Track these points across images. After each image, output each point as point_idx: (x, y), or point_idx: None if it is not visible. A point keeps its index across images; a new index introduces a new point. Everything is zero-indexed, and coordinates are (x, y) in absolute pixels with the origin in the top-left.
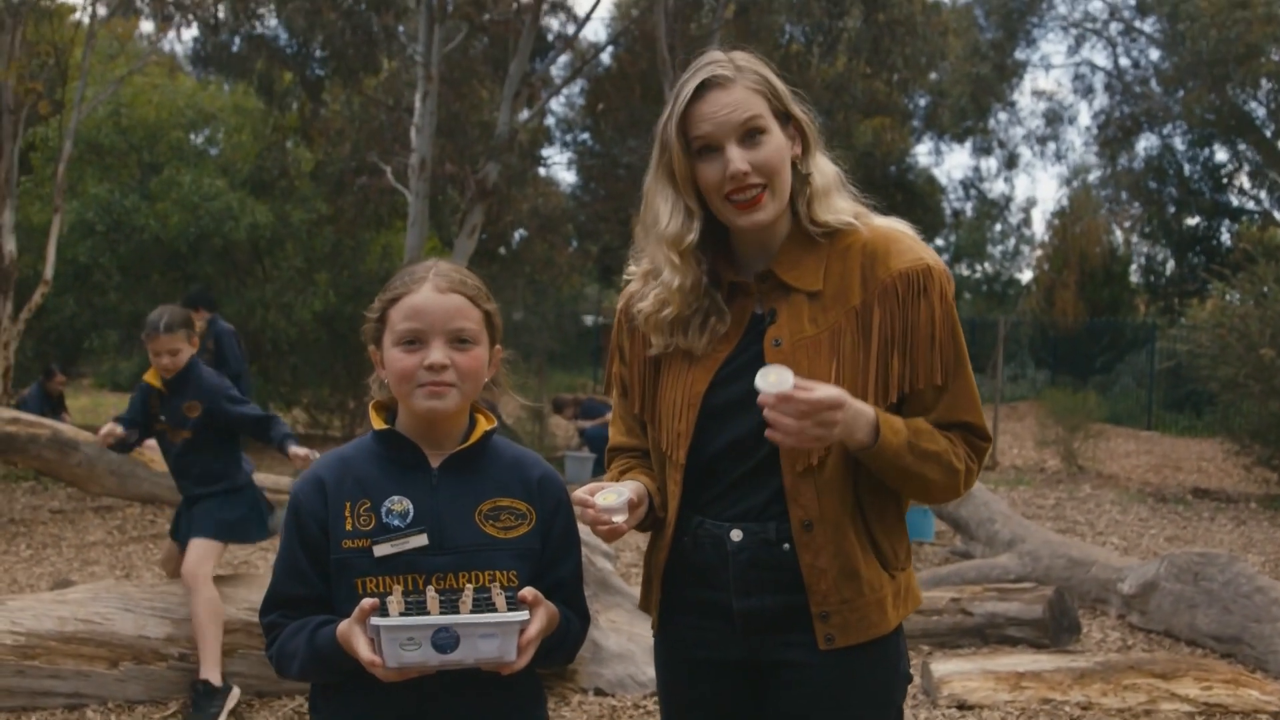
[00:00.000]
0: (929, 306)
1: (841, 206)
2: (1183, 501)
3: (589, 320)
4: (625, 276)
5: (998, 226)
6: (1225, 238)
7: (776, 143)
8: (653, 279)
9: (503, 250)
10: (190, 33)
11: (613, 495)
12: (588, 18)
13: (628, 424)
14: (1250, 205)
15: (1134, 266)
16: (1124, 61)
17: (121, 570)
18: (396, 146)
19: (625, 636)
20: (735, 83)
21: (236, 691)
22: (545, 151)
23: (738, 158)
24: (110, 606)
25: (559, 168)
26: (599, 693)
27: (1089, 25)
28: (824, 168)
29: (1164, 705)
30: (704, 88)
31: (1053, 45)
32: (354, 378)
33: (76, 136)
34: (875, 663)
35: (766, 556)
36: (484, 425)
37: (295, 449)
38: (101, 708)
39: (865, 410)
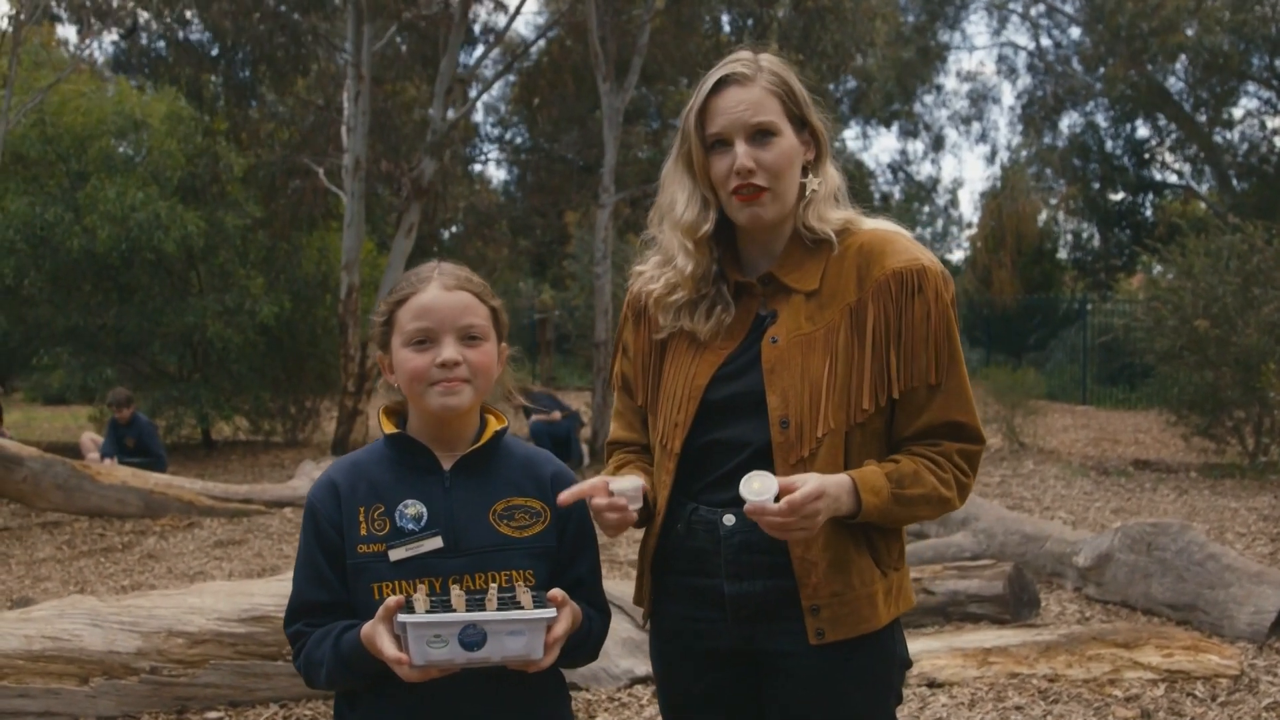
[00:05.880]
0: (924, 305)
1: (830, 216)
2: (1124, 474)
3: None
4: (636, 268)
5: (925, 209)
6: (1149, 212)
7: (785, 146)
8: (665, 265)
9: (436, 249)
10: (111, 38)
11: (626, 481)
12: (518, 10)
13: (628, 419)
14: (1172, 179)
15: (1061, 243)
16: (1045, 41)
17: (75, 586)
18: (330, 148)
19: None
20: (754, 82)
21: None
22: (477, 147)
23: (744, 154)
24: (77, 623)
25: (490, 164)
26: (573, 687)
27: (1011, 7)
28: (829, 178)
29: (1128, 674)
30: (723, 83)
31: (976, 27)
32: (294, 382)
33: (2, 147)
34: (870, 653)
35: (758, 540)
36: (494, 425)
37: None
38: None
39: (844, 483)
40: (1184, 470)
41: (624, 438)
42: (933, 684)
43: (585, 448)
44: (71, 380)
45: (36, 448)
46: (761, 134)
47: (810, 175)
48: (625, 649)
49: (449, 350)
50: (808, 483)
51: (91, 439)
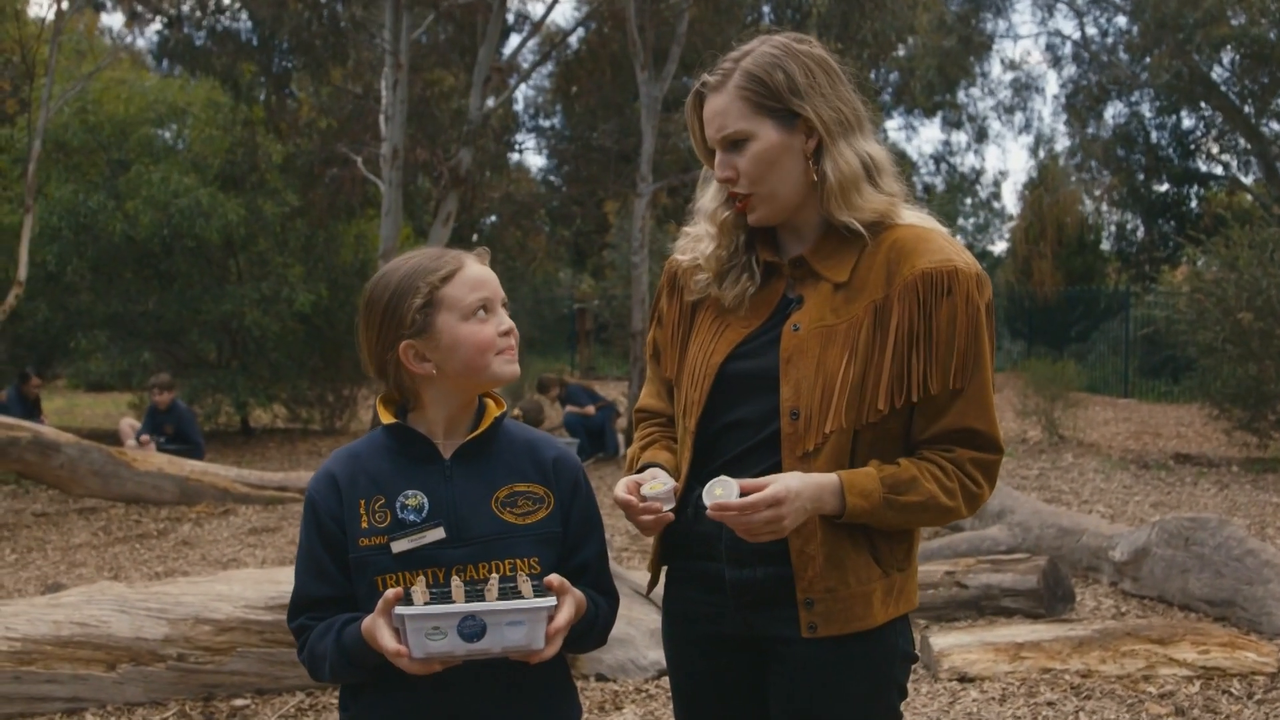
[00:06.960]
0: (951, 308)
1: (863, 204)
2: (1165, 467)
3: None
4: (678, 235)
5: (968, 200)
6: (1194, 204)
7: (759, 148)
8: (698, 241)
9: (474, 238)
10: (153, 28)
11: (659, 484)
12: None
13: (657, 387)
14: (1218, 170)
15: (1105, 235)
16: (1091, 30)
17: (110, 572)
18: (367, 136)
19: (625, 621)
20: (721, 89)
21: None
22: (516, 136)
23: (720, 164)
24: (105, 609)
25: (529, 152)
26: (600, 678)
27: None
28: (844, 165)
29: (1162, 670)
30: (700, 96)
31: (1021, 16)
32: (331, 371)
33: (44, 135)
34: (868, 645)
35: None
36: (494, 410)
37: None
38: (100, 711)
39: (827, 484)
40: (1225, 464)
41: (652, 406)
42: (964, 678)
43: (621, 438)
44: (112, 366)
45: (76, 434)
46: (733, 142)
47: (819, 165)
48: (654, 640)
49: (508, 319)
50: (771, 485)
51: (130, 425)
